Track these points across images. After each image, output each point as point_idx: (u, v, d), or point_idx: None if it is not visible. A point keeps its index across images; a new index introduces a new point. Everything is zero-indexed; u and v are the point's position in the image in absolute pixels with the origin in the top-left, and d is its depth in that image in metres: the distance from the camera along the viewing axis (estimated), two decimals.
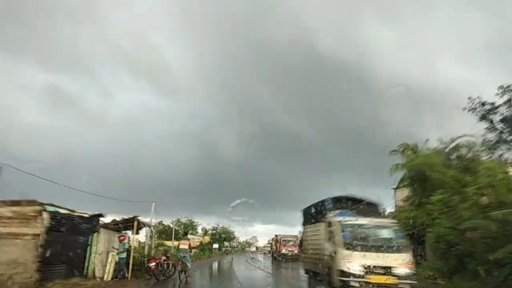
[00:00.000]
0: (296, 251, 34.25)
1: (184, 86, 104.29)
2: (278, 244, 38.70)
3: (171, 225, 56.00)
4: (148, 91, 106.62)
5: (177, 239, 45.01)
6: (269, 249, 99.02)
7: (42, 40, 79.59)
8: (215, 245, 58.90)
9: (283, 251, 36.83)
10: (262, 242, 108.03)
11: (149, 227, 20.23)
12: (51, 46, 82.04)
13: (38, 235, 10.33)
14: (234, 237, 68.26)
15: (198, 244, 57.48)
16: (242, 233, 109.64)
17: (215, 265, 32.79)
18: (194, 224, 62.99)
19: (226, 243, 70.06)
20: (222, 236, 64.35)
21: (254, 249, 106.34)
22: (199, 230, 65.33)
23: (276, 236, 40.61)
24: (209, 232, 65.69)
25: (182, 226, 59.69)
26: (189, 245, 17.12)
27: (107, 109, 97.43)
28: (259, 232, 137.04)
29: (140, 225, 16.73)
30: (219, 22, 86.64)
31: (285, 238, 37.82)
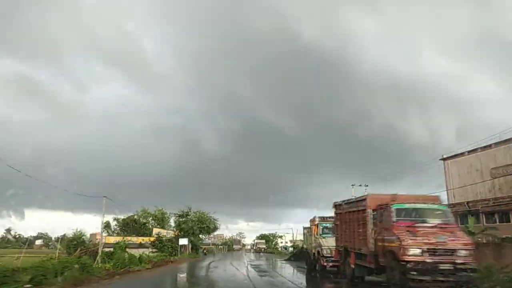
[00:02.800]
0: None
1: (163, 79, 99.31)
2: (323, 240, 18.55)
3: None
4: (124, 84, 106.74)
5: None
6: (262, 246, 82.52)
7: (6, 25, 74.17)
8: (183, 241, 39.62)
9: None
10: (247, 240, 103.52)
11: None
12: (17, 33, 77.50)
13: None
14: (216, 228, 48.73)
15: (154, 240, 38.86)
16: (225, 231, 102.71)
17: None
18: (165, 216, 52.65)
19: (202, 237, 50.41)
20: (197, 227, 44.75)
21: (240, 246, 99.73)
22: (172, 223, 51.45)
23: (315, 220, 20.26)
24: (176, 221, 46.19)
25: (150, 218, 53.40)
26: None
27: (81, 102, 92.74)
28: (243, 230, 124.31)
29: None
30: (198, 12, 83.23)
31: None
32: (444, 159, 35.29)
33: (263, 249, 79.30)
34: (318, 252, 18.47)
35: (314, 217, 20.20)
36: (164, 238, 41.05)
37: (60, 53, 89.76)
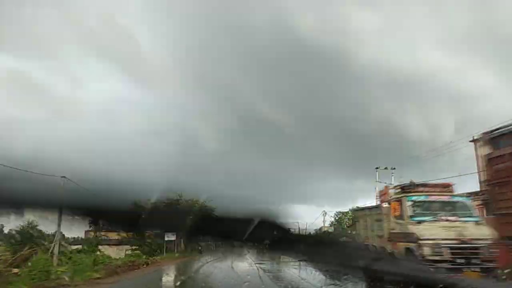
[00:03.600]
0: None
1: (159, 75, 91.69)
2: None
3: None
4: (120, 79, 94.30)
5: None
6: (266, 241, 73.34)
7: None
8: (170, 236, 30.76)
9: None
10: None
11: None
12: (8, 27, 67.40)
13: None
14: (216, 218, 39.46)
15: (133, 235, 30.17)
16: None
17: None
18: None
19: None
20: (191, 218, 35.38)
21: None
22: None
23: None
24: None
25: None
26: None
27: (77, 99, 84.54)
28: None
29: None
30: (193, 5, 78.02)
31: None
32: (474, 141, 27.37)
33: (267, 246, 70.09)
34: (410, 250, 9.11)
35: (387, 188, 10.91)
36: (146, 233, 31.85)
37: (53, 48, 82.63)
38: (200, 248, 45.06)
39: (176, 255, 31.42)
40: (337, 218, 59.11)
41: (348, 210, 52.28)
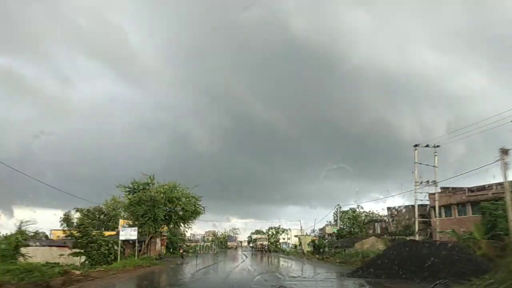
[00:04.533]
0: None
1: (150, 74, 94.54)
2: None
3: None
4: (111, 78, 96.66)
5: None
6: (264, 243, 63.05)
7: None
8: (129, 234, 19.91)
9: None
10: (240, 236, 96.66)
11: None
12: None
13: None
14: (198, 213, 28.71)
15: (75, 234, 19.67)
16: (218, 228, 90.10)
17: None
18: None
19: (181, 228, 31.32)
20: (164, 209, 25.03)
21: (235, 244, 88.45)
22: None
23: None
24: (127, 196, 26.50)
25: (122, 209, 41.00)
26: None
27: (67, 98, 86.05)
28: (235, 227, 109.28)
29: None
30: (185, 4, 79.00)
31: None
32: None
33: (266, 248, 59.68)
34: None
35: None
36: (92, 231, 21.29)
37: (43, 46, 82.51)
38: (182, 252, 34.46)
39: (136, 261, 20.74)
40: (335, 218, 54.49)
41: (349, 209, 51.59)
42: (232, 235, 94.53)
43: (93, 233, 20.82)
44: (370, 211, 50.89)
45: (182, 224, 29.83)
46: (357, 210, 52.66)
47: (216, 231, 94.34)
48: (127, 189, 25.72)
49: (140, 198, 24.78)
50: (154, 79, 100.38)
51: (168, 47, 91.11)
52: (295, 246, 63.03)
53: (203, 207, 28.75)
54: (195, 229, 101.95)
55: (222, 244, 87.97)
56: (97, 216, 42.46)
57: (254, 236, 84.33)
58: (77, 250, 20.67)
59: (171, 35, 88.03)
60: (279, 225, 75.93)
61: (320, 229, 66.30)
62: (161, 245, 39.95)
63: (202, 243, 51.07)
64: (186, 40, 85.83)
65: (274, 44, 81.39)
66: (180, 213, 26.80)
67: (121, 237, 21.19)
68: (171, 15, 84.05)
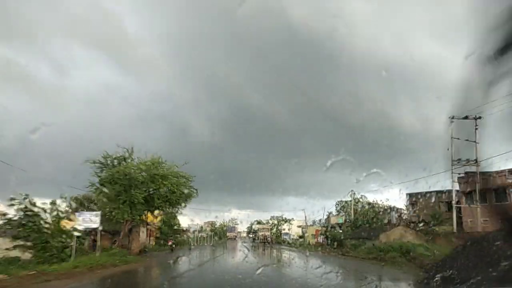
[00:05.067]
0: None
1: (149, 64, 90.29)
2: None
3: None
4: (108, 68, 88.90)
5: None
6: (267, 234, 57.52)
7: None
8: (87, 222, 14.37)
9: None
10: (240, 227, 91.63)
11: None
12: None
13: None
14: (190, 195, 22.72)
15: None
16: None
17: None
18: None
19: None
20: (149, 188, 19.07)
21: (235, 234, 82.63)
22: None
23: None
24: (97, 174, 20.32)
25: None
26: None
27: (62, 87, 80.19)
28: (234, 217, 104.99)
29: None
30: None
31: None
32: None
33: (269, 239, 54.28)
34: None
35: None
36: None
37: (38, 34, 76.89)
38: (171, 244, 28.89)
39: (98, 258, 14.98)
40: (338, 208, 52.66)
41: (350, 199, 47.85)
42: (231, 225, 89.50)
43: (42, 221, 15.11)
44: (374, 201, 47.02)
45: (168, 209, 24.08)
46: (361, 200, 48.41)
47: (215, 221, 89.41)
48: (98, 164, 19.93)
49: (113, 175, 19.03)
50: (152, 70, 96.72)
51: (165, 37, 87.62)
52: (300, 236, 57.66)
53: (195, 190, 22.95)
54: (195, 220, 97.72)
55: (221, 235, 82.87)
56: (86, 204, 37.48)
57: (255, 226, 79.20)
58: (19, 242, 15.00)
59: (167, 24, 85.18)
60: (282, 214, 70.29)
61: (324, 220, 61.65)
62: (149, 236, 34.44)
63: (198, 234, 45.42)
64: (183, 29, 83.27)
65: (273, 34, 79.14)
66: (167, 195, 21.04)
67: (79, 226, 15.53)
68: (169, 4, 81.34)
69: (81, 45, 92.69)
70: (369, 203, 44.29)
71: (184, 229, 65.34)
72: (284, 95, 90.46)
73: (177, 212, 26.60)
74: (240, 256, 24.72)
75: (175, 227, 48.09)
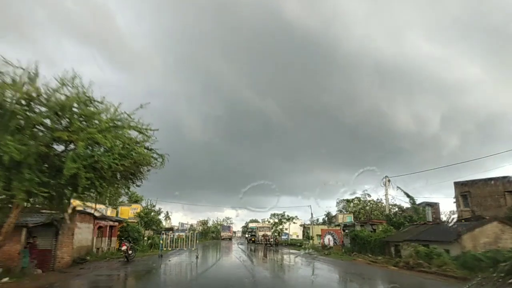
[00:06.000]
0: None
1: (141, 60, 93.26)
2: None
3: None
4: (98, 62, 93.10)
5: None
6: (268, 234, 47.36)
7: None
8: None
9: None
10: (234, 227, 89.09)
11: None
12: None
13: None
14: (149, 162, 12.03)
15: None
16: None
17: None
18: None
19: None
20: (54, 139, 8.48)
21: (230, 234, 75.64)
22: None
23: None
24: None
25: None
26: None
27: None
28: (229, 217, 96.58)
29: None
30: None
31: None
32: None
33: (271, 240, 43.92)
34: None
35: None
36: None
37: (26, 28, 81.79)
38: (127, 249, 18.37)
39: None
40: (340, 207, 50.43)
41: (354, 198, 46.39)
42: (225, 224, 79.59)
43: None
44: (378, 199, 44.13)
45: (108, 192, 13.14)
46: (365, 198, 47.02)
47: (207, 219, 79.41)
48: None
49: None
50: (144, 66, 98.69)
51: (157, 32, 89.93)
52: (308, 237, 47.53)
53: (160, 155, 12.32)
54: (187, 219, 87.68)
55: (215, 235, 73.11)
56: None
57: (251, 225, 69.16)
58: None
59: (159, 19, 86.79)
60: (284, 212, 60.16)
61: (330, 217, 52.65)
62: (107, 236, 23.76)
63: (173, 235, 34.65)
64: (176, 25, 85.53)
65: (268, 30, 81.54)
66: (102, 158, 10.26)
67: None
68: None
69: (70, 40, 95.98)
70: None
71: (175, 228, 54.90)
72: (278, 91, 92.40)
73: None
74: (240, 274, 14.21)
75: (154, 226, 37.49)
